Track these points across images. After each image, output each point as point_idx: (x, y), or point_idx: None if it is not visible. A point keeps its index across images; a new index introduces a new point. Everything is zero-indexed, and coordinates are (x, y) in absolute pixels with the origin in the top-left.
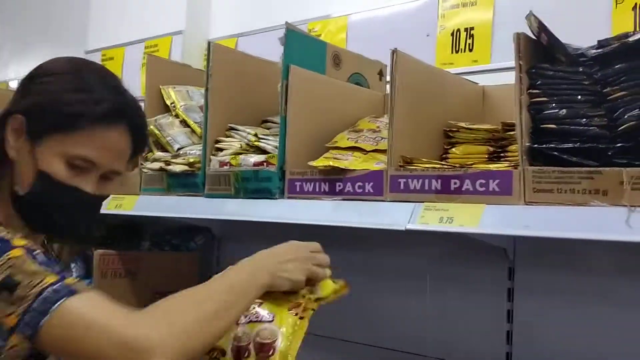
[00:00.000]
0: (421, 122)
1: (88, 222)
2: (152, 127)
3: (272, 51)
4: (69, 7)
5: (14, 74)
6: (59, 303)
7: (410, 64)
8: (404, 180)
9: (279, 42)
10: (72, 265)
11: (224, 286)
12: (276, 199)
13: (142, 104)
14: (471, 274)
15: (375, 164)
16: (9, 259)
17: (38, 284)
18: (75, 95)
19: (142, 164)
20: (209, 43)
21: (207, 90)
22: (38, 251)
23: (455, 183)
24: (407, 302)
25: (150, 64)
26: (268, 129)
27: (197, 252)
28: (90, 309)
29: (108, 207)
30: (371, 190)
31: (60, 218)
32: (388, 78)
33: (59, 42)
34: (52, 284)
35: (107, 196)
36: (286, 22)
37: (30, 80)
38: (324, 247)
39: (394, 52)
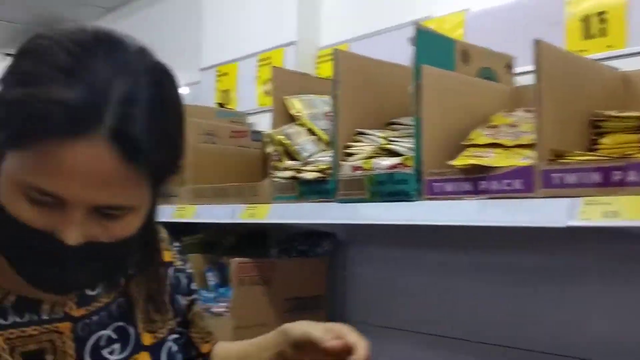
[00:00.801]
0: (567, 113)
1: (93, 276)
2: (281, 137)
3: (387, 53)
4: (183, 27)
5: None
6: None
7: (553, 54)
8: (559, 174)
9: (408, 42)
10: (208, 274)
11: None
12: (414, 201)
13: (265, 115)
14: (624, 268)
15: (521, 159)
16: None
17: None
18: (11, 92)
19: (273, 174)
20: (335, 51)
21: (335, 97)
22: None
23: (617, 175)
24: (556, 301)
25: (275, 75)
26: (395, 131)
27: (325, 257)
28: None
29: (242, 216)
30: (520, 187)
31: (36, 272)
32: (518, 70)
33: (174, 61)
34: None
35: (115, 243)
36: (415, 23)
37: None
38: (467, 249)
39: (538, 42)
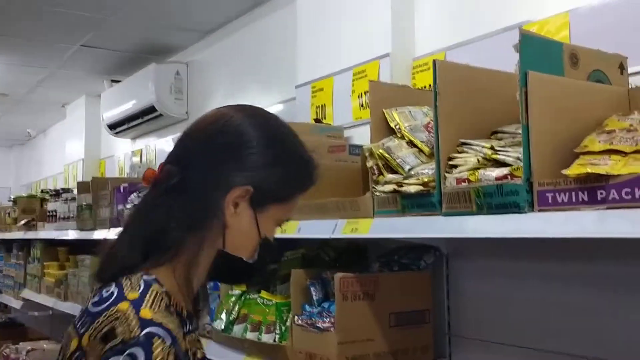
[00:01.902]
0: None
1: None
2: (381, 150)
3: (484, 61)
4: (279, 45)
5: None
6: None
7: None
8: None
9: (513, 48)
10: (311, 288)
11: None
12: (525, 212)
13: (361, 128)
14: None
15: None
16: None
17: None
18: (299, 170)
19: (373, 188)
20: (434, 61)
21: (435, 108)
22: None
23: None
24: None
25: (372, 89)
26: (500, 140)
27: (428, 270)
28: None
29: (344, 231)
30: None
31: (263, 271)
32: (632, 70)
33: (270, 80)
34: None
35: None
36: (520, 28)
37: (239, 149)
38: (578, 261)
39: None
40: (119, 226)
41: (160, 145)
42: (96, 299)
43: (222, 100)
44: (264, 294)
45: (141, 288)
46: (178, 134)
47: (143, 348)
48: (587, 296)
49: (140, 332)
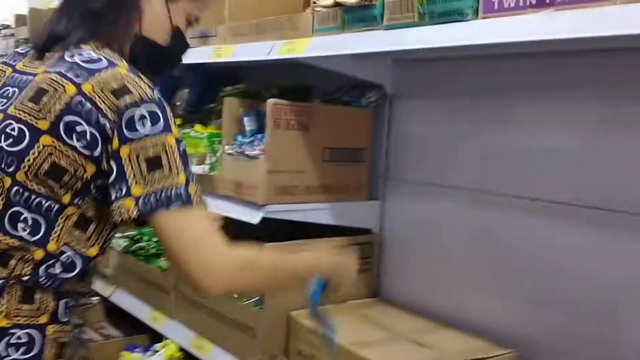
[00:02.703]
0: None
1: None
2: None
3: None
4: None
5: None
6: (178, 205)
7: None
8: None
9: None
10: (245, 119)
11: (293, 273)
12: (469, 20)
13: None
14: None
15: None
16: (165, 148)
17: (174, 176)
18: None
19: (314, 3)
20: None
21: None
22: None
23: None
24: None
25: None
26: None
27: (370, 109)
28: (198, 226)
29: (280, 51)
30: None
31: (176, 62)
32: None
33: None
34: (181, 186)
35: None
36: None
37: None
38: (527, 102)
39: None
40: None
41: None
42: (80, 58)
43: None
44: (197, 127)
45: (122, 60)
46: None
47: (158, 105)
48: (528, 138)
49: (153, 93)
